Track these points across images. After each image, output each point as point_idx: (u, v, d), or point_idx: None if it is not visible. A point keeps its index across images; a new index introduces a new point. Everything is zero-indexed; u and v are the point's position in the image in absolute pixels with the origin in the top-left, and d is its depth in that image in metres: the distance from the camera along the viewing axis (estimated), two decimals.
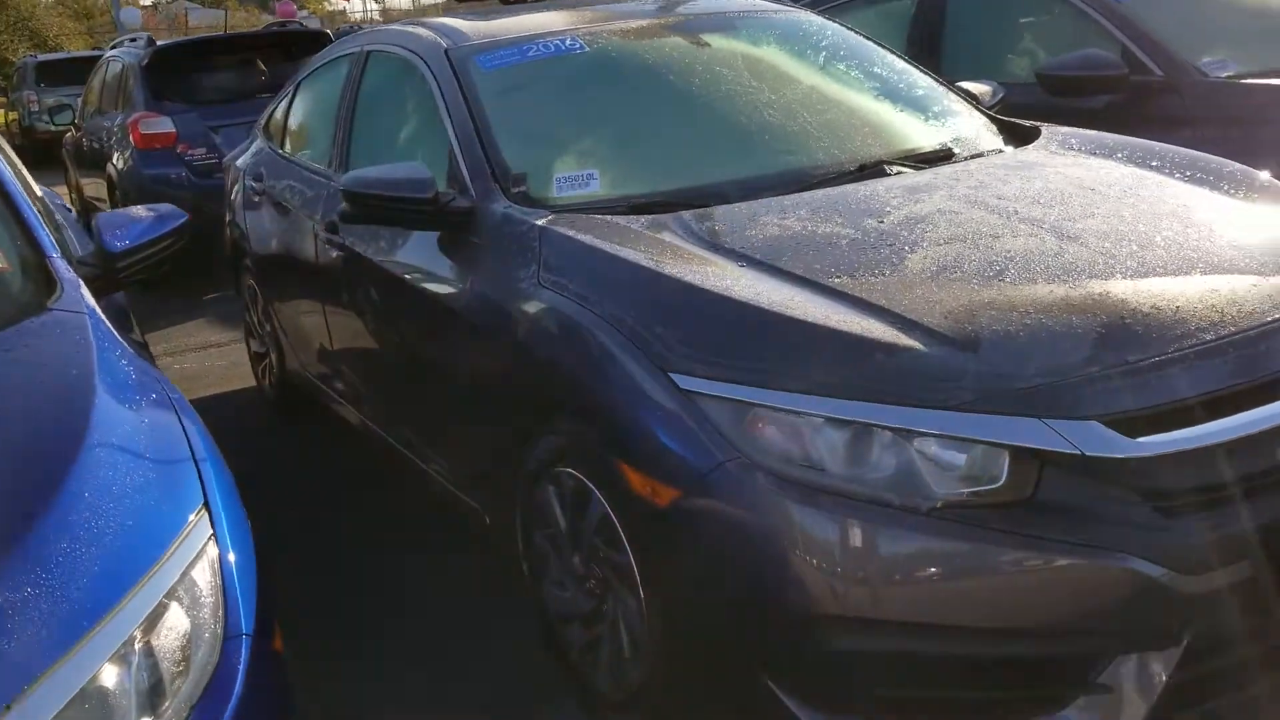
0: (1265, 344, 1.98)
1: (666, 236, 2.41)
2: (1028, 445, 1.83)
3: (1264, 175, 2.70)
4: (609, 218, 2.55)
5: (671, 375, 2.05)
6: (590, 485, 2.27)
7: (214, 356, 5.91)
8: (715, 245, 2.35)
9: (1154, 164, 2.78)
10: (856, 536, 1.86)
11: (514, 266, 2.57)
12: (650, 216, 2.54)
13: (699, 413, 2.00)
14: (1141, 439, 1.84)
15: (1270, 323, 2.01)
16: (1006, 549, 1.83)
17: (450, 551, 3.25)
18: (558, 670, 2.56)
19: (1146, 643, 1.87)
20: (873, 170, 2.77)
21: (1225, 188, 2.62)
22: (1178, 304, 2.03)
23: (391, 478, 3.72)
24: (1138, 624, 1.85)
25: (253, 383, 5.04)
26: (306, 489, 3.93)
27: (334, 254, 3.50)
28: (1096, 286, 2.07)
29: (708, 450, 1.97)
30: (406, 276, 3.04)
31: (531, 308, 2.46)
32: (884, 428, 1.88)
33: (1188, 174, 2.70)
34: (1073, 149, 2.95)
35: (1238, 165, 2.75)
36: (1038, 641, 1.88)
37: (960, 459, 1.88)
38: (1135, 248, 2.23)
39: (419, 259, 3.00)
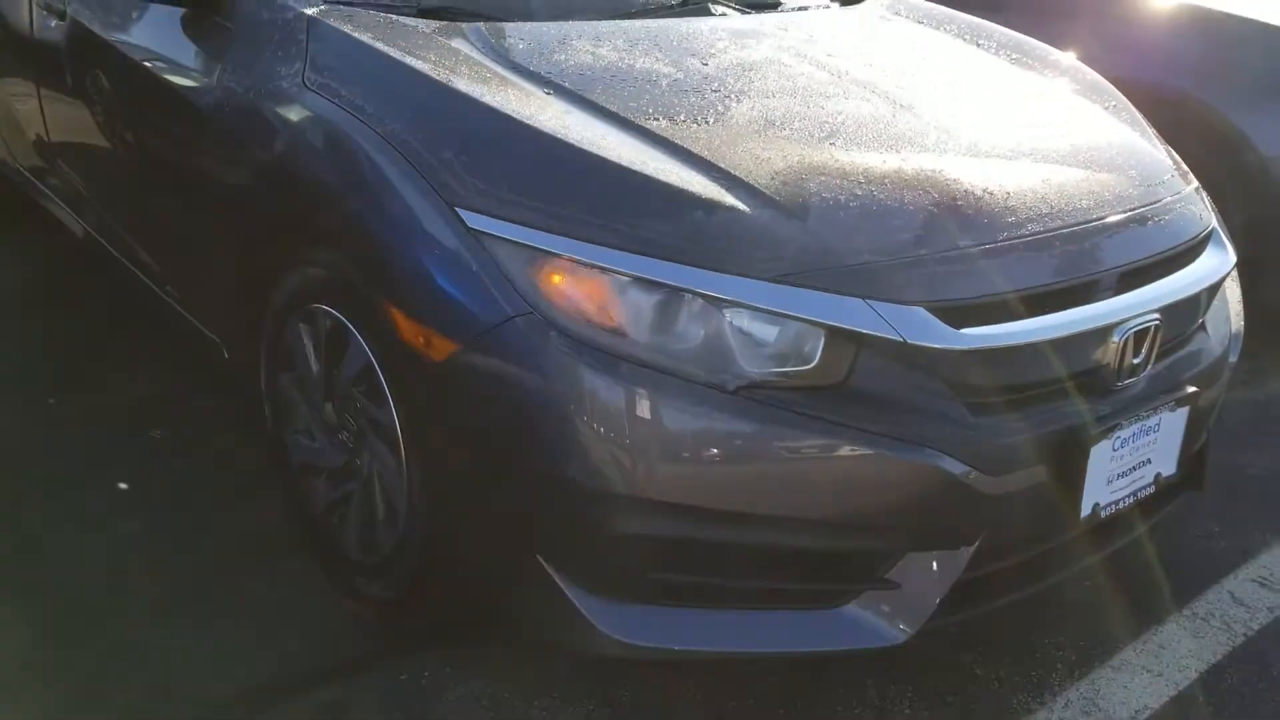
0: (1089, 241, 1.89)
1: (462, 47, 2.07)
2: (849, 327, 1.67)
3: (1091, 72, 2.62)
4: (394, 17, 2.17)
5: (459, 210, 1.75)
6: (351, 328, 1.97)
7: None
8: (517, 66, 2.04)
9: (982, 42, 2.65)
10: (654, 412, 1.66)
11: (273, 61, 2.16)
12: (441, 22, 2.18)
13: (488, 257, 1.72)
14: (965, 330, 1.71)
15: (1093, 221, 1.92)
16: (811, 436, 1.68)
17: (190, 390, 2.86)
18: (299, 528, 2.28)
19: (940, 541, 1.78)
20: (696, 7, 2.50)
21: (1052, 76, 2.52)
22: (1008, 191, 1.90)
23: (123, 301, 3.23)
24: (935, 522, 1.76)
25: None
26: (19, 305, 3.38)
27: (52, 24, 2.92)
28: (930, 162, 1.91)
29: (495, 301, 1.70)
30: (143, 61, 2.55)
31: (293, 114, 2.08)
32: (696, 293, 1.67)
33: (1016, 58, 2.58)
34: (901, 15, 2.77)
35: (1066, 55, 2.66)
36: (830, 534, 1.76)
37: (773, 335, 1.70)
38: (968, 126, 2.09)
39: (158, 40, 2.51)
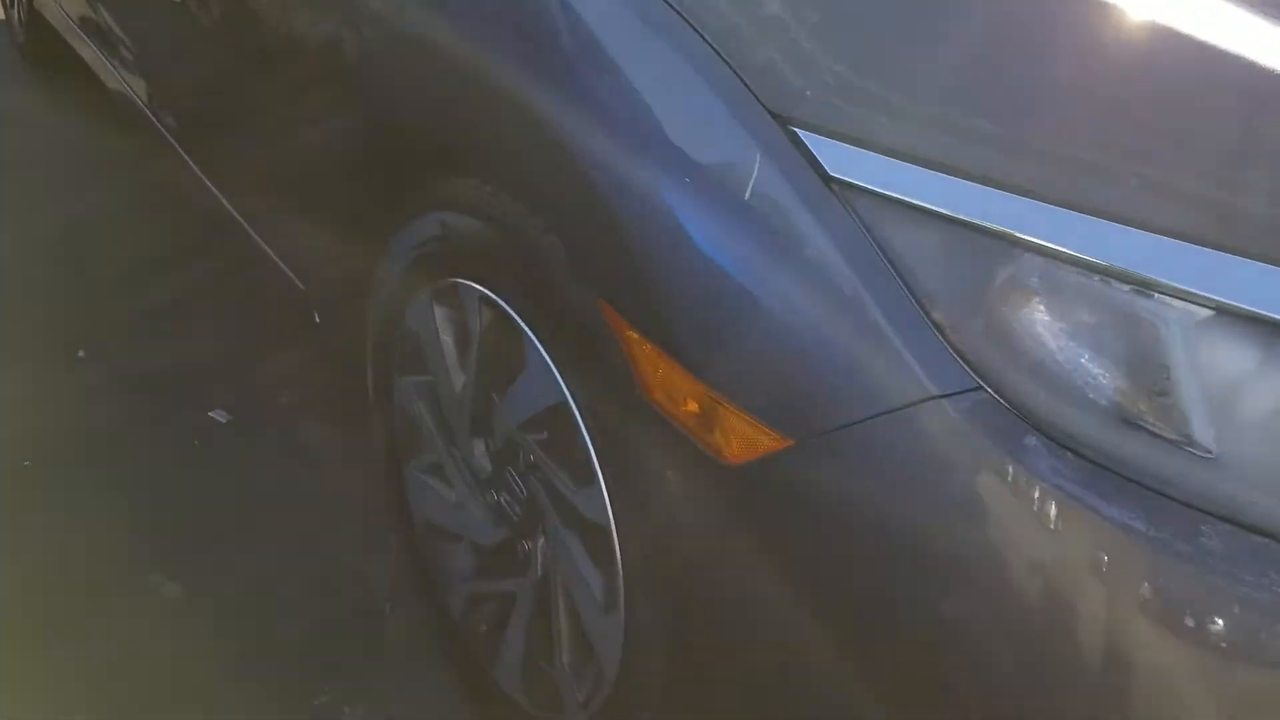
0: None
1: None
2: None
3: None
4: None
5: (798, 131, 0.79)
6: (531, 337, 1.05)
7: None
8: None
9: None
10: (1249, 630, 0.71)
11: None
12: None
13: (869, 245, 0.76)
14: None
15: None
16: None
17: (268, 349, 1.97)
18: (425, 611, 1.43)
19: None
20: None
21: None
22: None
23: (184, 209, 2.35)
24: None
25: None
26: (55, 214, 2.51)
27: None
28: None
29: (891, 355, 0.75)
30: None
31: None
32: None
33: None
34: None
35: None
36: None
37: None
38: None
39: None
